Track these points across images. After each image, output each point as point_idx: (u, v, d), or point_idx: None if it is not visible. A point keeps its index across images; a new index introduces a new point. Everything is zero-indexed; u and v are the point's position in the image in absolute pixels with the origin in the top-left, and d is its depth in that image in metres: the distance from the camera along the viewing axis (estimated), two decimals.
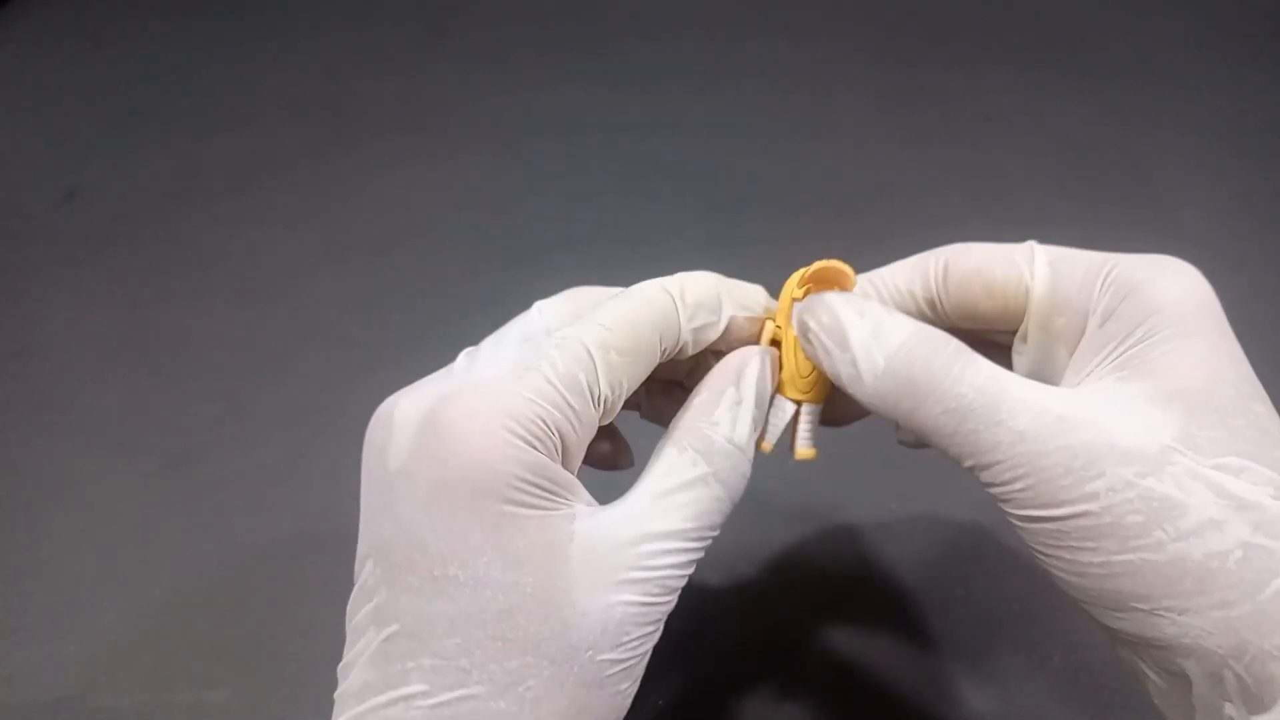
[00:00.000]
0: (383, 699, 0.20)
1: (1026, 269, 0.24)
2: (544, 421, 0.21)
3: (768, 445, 0.26)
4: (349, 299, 0.51)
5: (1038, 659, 0.35)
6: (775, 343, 0.26)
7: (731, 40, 0.72)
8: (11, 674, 0.35)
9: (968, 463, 0.22)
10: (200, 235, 0.55)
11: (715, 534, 0.23)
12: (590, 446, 0.28)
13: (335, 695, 0.22)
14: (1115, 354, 0.22)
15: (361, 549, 0.22)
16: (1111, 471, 0.20)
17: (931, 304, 0.25)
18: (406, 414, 0.22)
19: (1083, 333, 0.23)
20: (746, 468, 0.24)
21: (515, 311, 0.26)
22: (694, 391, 0.25)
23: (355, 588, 0.22)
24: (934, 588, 0.37)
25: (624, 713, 0.22)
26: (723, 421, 0.24)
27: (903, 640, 0.36)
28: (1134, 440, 0.20)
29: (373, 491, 0.22)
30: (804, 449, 0.26)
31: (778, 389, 0.26)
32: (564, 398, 0.22)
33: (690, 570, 0.22)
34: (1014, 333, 0.25)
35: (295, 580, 0.38)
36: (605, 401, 0.23)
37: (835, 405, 0.27)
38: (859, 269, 0.26)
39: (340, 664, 0.22)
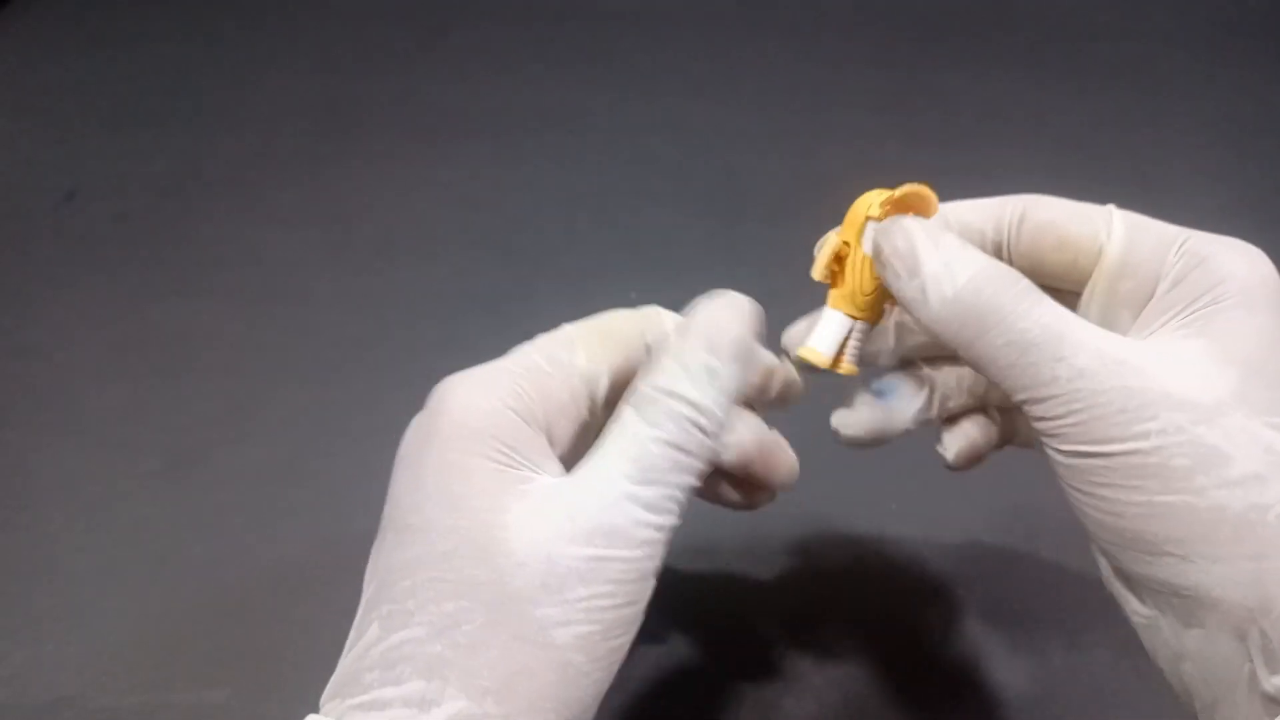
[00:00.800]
0: (352, 653, 0.21)
1: (1103, 229, 0.24)
2: (518, 384, 0.23)
3: (824, 358, 0.26)
4: (349, 299, 0.51)
5: (1037, 659, 0.35)
6: (840, 258, 0.26)
7: (731, 40, 0.72)
8: (11, 674, 0.35)
9: (1021, 395, 0.22)
10: (200, 235, 0.55)
11: (669, 480, 0.22)
12: (724, 493, 0.28)
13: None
14: (1181, 315, 0.22)
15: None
16: (1165, 415, 0.20)
17: (999, 247, 0.25)
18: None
19: (1149, 298, 0.24)
20: (691, 411, 0.22)
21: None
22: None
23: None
24: (934, 588, 0.37)
25: (584, 692, 0.21)
26: (656, 371, 0.23)
27: (902, 640, 0.36)
28: (1190, 389, 0.20)
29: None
30: (849, 365, 0.27)
31: (833, 304, 0.26)
32: (540, 365, 0.24)
33: (650, 517, 0.21)
34: (1076, 293, 0.25)
35: (295, 580, 0.38)
36: (588, 376, 0.24)
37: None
38: None
39: None
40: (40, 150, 0.63)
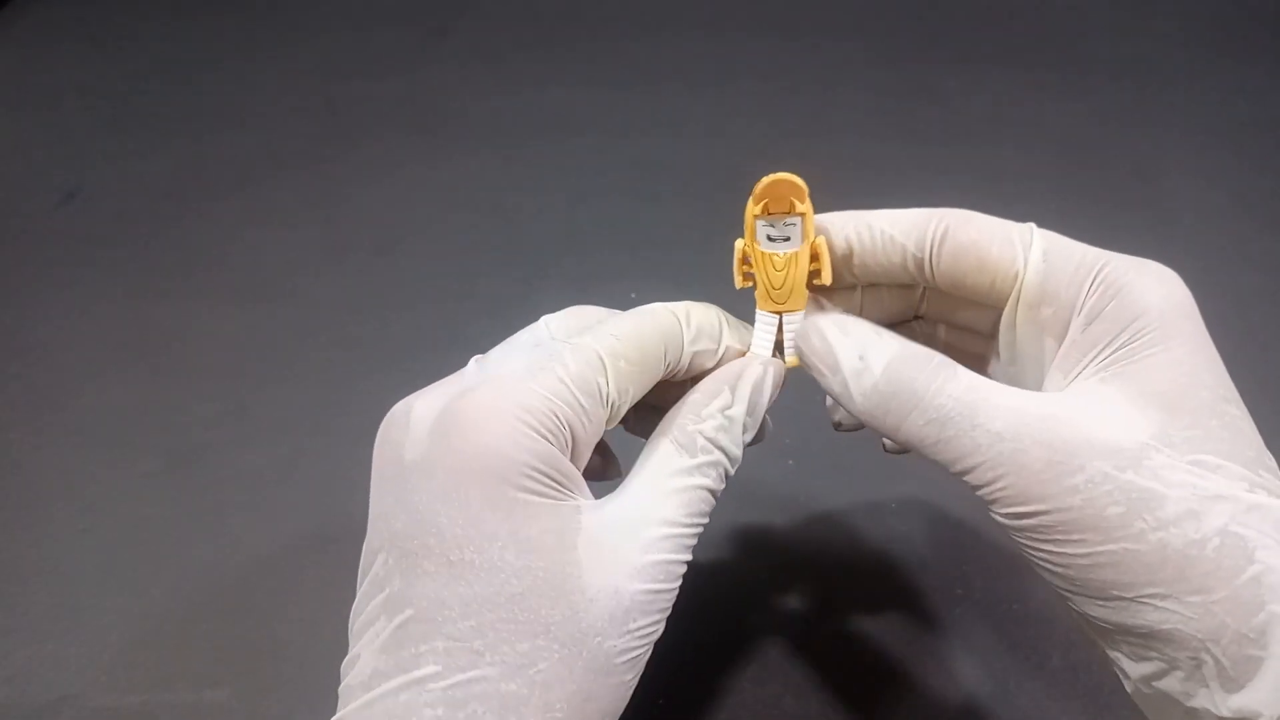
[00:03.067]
0: (394, 684, 0.20)
1: (1022, 253, 0.25)
2: (556, 416, 0.22)
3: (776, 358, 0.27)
4: (349, 299, 0.51)
5: (1037, 659, 0.35)
6: (745, 260, 0.26)
7: (731, 40, 0.72)
8: (11, 674, 0.35)
9: (954, 468, 0.22)
10: (200, 235, 0.55)
11: (703, 522, 0.24)
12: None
13: (340, 689, 0.22)
14: (1101, 355, 0.23)
15: (372, 544, 0.23)
16: (1091, 465, 0.20)
17: (920, 265, 0.25)
18: (422, 411, 0.23)
19: (1068, 325, 0.24)
20: (727, 464, 0.25)
21: (515, 312, 0.26)
22: (690, 391, 0.26)
23: (364, 583, 0.22)
24: (934, 588, 0.37)
25: (625, 704, 0.22)
26: (710, 420, 0.25)
27: (902, 640, 0.36)
28: (1112, 436, 0.21)
29: (385, 487, 0.23)
30: (791, 357, 0.27)
31: (760, 305, 0.27)
32: (575, 396, 0.23)
33: (687, 558, 0.23)
34: (996, 309, 0.26)
35: (295, 580, 0.38)
36: (613, 405, 0.24)
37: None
38: None
39: (345, 660, 0.22)
40: (40, 150, 0.63)
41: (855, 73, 0.68)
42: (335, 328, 0.49)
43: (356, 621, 0.22)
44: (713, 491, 0.24)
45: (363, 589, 0.22)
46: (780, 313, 0.26)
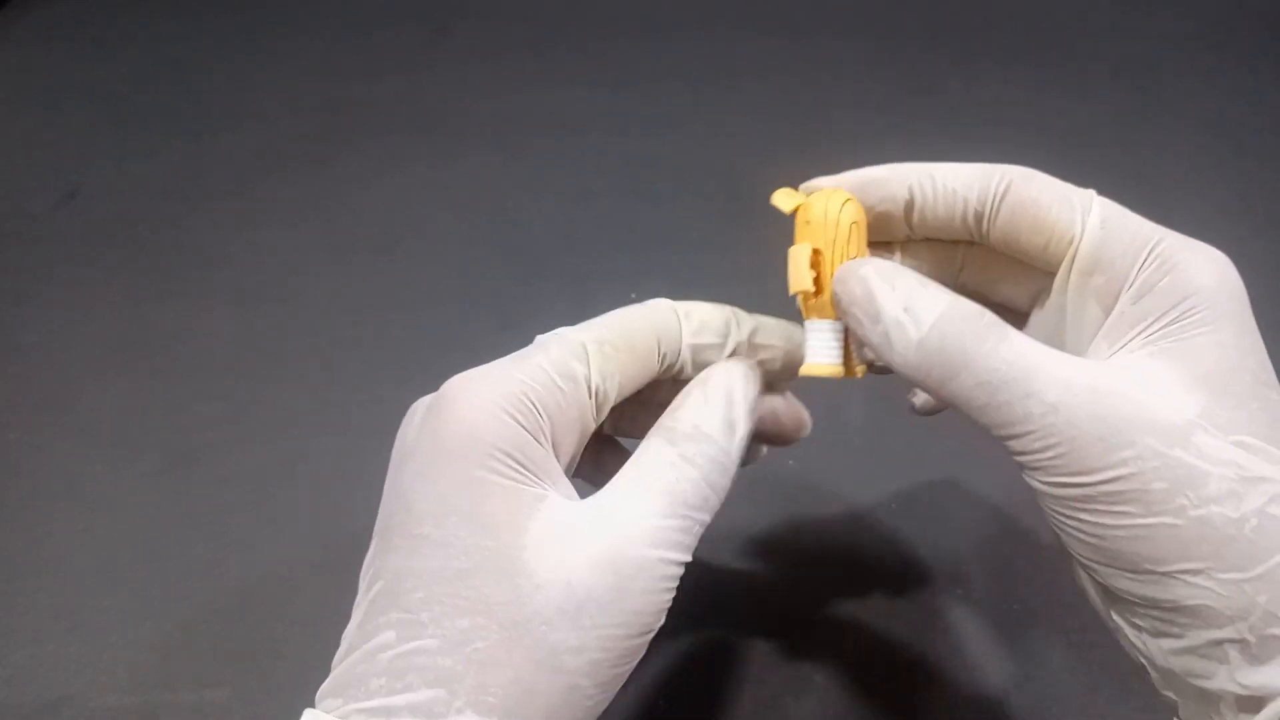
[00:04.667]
0: (356, 655, 0.21)
1: (1081, 218, 0.24)
2: (529, 399, 0.22)
3: (835, 367, 0.26)
4: (349, 299, 0.51)
5: (1037, 659, 0.35)
6: (815, 265, 0.25)
7: (731, 40, 0.72)
8: (11, 674, 0.35)
9: (999, 432, 0.22)
10: (200, 235, 0.55)
11: (695, 516, 0.23)
12: (609, 468, 0.28)
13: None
14: (1150, 330, 0.23)
15: (376, 526, 0.23)
16: (1140, 441, 0.20)
17: (979, 218, 0.25)
18: (424, 401, 0.24)
19: (1117, 296, 0.24)
20: (721, 455, 0.24)
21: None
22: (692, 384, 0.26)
23: (365, 560, 0.23)
24: (934, 588, 0.37)
25: (586, 712, 0.22)
26: (688, 414, 0.24)
27: (902, 640, 0.36)
28: (1161, 412, 0.21)
29: (389, 473, 0.24)
30: (861, 366, 0.26)
31: (817, 314, 0.26)
32: (553, 379, 0.23)
33: (671, 555, 0.22)
34: (1050, 273, 0.25)
35: (295, 580, 0.38)
36: (598, 390, 0.24)
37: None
38: None
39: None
40: (40, 150, 0.63)
41: (855, 73, 0.68)
42: (335, 328, 0.49)
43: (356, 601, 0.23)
44: (708, 483, 0.23)
45: (362, 571, 0.23)
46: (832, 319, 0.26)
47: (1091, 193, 0.25)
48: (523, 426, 0.22)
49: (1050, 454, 0.21)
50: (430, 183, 0.59)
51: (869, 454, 0.42)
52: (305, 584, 0.38)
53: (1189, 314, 0.22)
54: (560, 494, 0.23)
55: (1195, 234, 0.25)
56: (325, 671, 0.22)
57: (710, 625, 0.36)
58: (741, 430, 0.25)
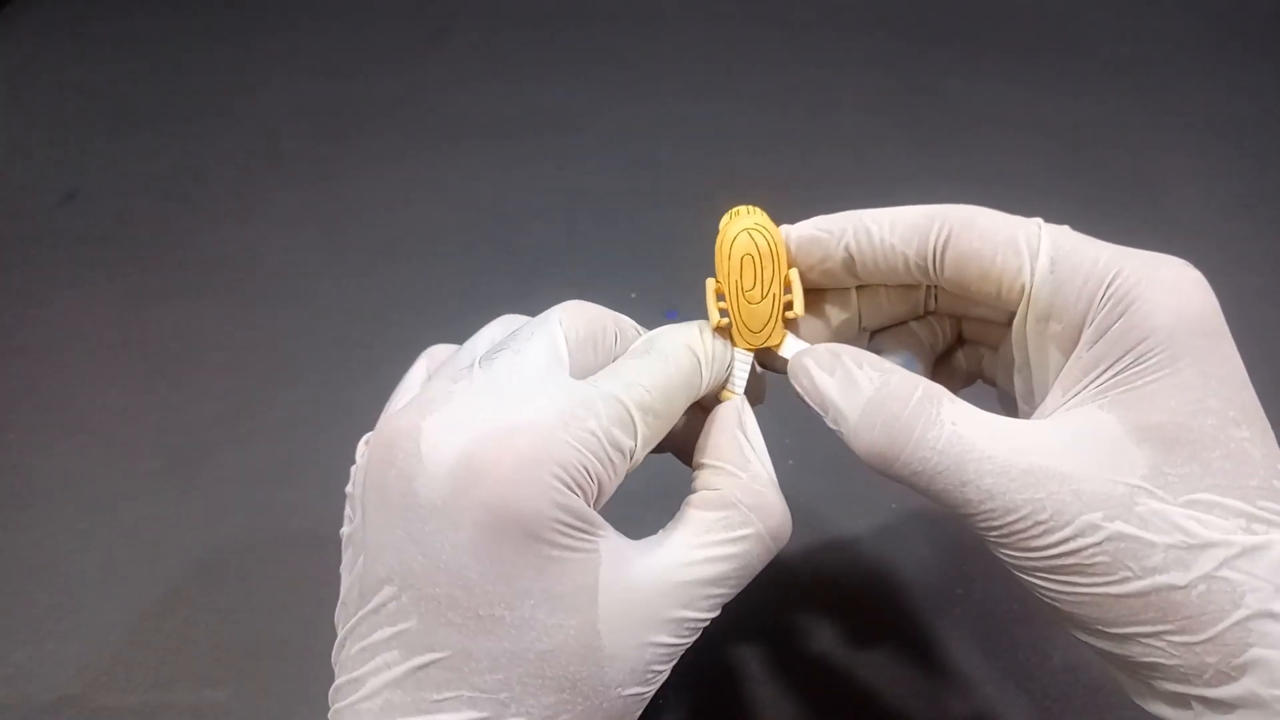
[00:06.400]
0: None
1: (1029, 263, 0.23)
2: (587, 471, 0.22)
3: (732, 394, 0.27)
4: (349, 299, 0.51)
5: (1037, 659, 0.35)
6: (720, 296, 0.26)
7: (731, 39, 0.72)
8: (11, 674, 0.35)
9: (949, 510, 0.23)
10: (200, 235, 0.55)
11: (741, 586, 0.24)
12: None
13: (335, 695, 0.22)
14: (1102, 379, 0.22)
15: (378, 570, 0.22)
16: (1080, 519, 0.21)
17: (925, 271, 0.25)
18: (439, 445, 0.21)
19: (1076, 340, 0.23)
20: (788, 515, 0.25)
21: (515, 312, 0.26)
22: (707, 440, 0.26)
23: (366, 606, 0.22)
24: (934, 588, 0.37)
25: None
26: (756, 468, 0.25)
27: (902, 640, 0.36)
28: (1102, 483, 0.21)
29: (394, 516, 0.21)
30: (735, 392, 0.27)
31: (735, 342, 0.27)
32: (606, 451, 0.22)
33: (715, 615, 0.23)
34: (1010, 311, 0.25)
35: (295, 580, 0.38)
36: (634, 456, 0.24)
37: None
38: None
39: (335, 662, 0.22)
40: (40, 150, 0.63)
41: (855, 72, 0.68)
42: (335, 328, 0.49)
43: (351, 634, 0.22)
44: (775, 547, 0.24)
45: (363, 611, 0.22)
46: (756, 349, 0.26)
47: (1038, 225, 0.24)
48: (579, 496, 0.21)
49: (995, 535, 0.22)
50: (430, 183, 0.59)
51: None
52: (305, 584, 0.38)
53: (1144, 358, 0.21)
54: (614, 541, 0.22)
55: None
56: (325, 672, 0.22)
57: (710, 625, 0.36)
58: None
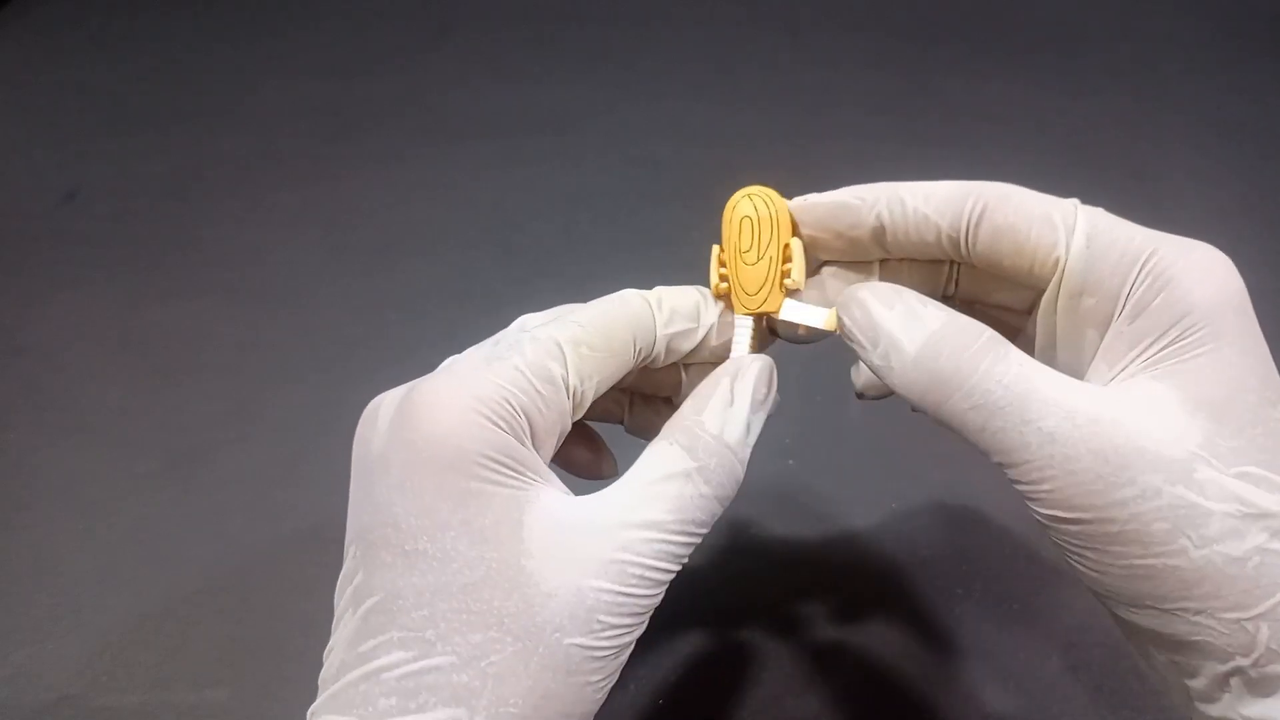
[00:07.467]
0: (355, 674, 0.20)
1: (1064, 238, 0.23)
2: (510, 403, 0.22)
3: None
4: (350, 299, 0.51)
5: (1038, 659, 0.35)
6: (722, 264, 0.26)
7: (731, 40, 0.72)
8: (11, 674, 0.35)
9: (995, 459, 0.22)
10: (200, 235, 0.55)
11: (701, 531, 0.23)
12: (573, 454, 0.28)
13: (319, 680, 0.22)
14: (1148, 353, 0.22)
15: (347, 537, 0.23)
16: (1141, 478, 0.20)
17: (956, 245, 0.24)
18: (387, 404, 0.23)
19: (1110, 316, 0.23)
20: (738, 469, 0.23)
21: (515, 312, 0.26)
22: (689, 395, 0.25)
23: (340, 577, 0.23)
24: (934, 587, 0.37)
25: (594, 705, 0.22)
26: (712, 420, 0.24)
27: (903, 640, 0.36)
28: (1162, 445, 0.20)
29: (357, 481, 0.23)
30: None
31: (731, 307, 0.26)
32: (532, 383, 0.22)
33: (674, 566, 0.22)
34: (1040, 290, 0.25)
35: (295, 580, 0.38)
36: (575, 393, 0.23)
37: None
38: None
39: (326, 649, 0.22)
40: (40, 150, 0.63)
41: (855, 72, 0.68)
42: (335, 328, 0.49)
43: (335, 616, 0.22)
44: (712, 496, 0.23)
45: (339, 583, 0.22)
46: (755, 314, 0.26)
47: (1074, 205, 0.24)
48: (505, 431, 0.21)
49: (1047, 486, 0.21)
50: (430, 183, 0.59)
51: (869, 454, 0.42)
52: (305, 584, 0.38)
53: (1187, 333, 0.21)
54: (554, 490, 0.22)
55: (1195, 234, 0.24)
56: None
57: (710, 625, 0.36)
58: (755, 436, 0.24)
